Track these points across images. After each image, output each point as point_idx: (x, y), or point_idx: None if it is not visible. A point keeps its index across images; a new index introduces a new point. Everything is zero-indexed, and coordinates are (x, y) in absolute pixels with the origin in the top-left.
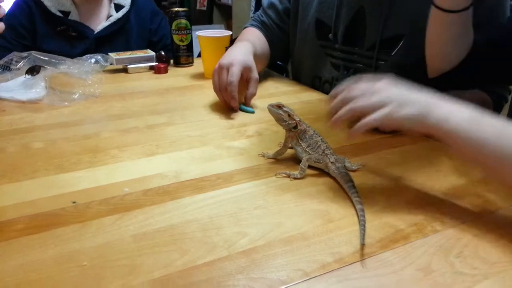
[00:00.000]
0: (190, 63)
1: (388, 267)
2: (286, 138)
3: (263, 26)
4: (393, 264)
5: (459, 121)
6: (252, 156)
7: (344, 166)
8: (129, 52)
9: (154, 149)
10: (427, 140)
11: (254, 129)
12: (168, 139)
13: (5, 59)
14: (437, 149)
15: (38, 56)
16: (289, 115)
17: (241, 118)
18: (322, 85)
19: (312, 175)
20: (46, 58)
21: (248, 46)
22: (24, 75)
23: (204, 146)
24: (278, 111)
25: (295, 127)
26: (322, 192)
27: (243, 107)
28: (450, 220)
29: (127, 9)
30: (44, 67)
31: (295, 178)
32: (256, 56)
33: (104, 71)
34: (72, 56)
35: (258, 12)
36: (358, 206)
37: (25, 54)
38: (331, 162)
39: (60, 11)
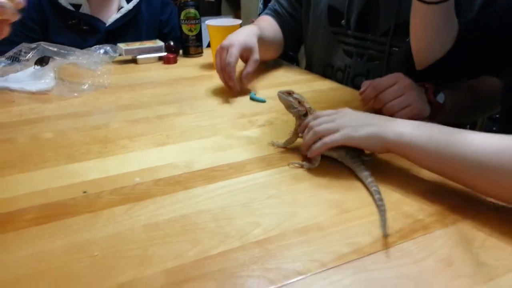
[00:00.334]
0: (199, 53)
1: (407, 257)
2: (296, 126)
3: (276, 14)
4: (413, 254)
5: (412, 134)
6: (264, 146)
7: (359, 155)
8: (138, 43)
9: (164, 139)
10: None
11: (265, 118)
12: (178, 129)
13: (14, 50)
14: None
15: (47, 47)
16: (299, 102)
17: (252, 108)
18: (335, 73)
19: (325, 165)
20: (55, 49)
21: (254, 29)
22: (33, 66)
23: (214, 136)
24: (288, 98)
25: (305, 114)
26: (337, 181)
27: (254, 96)
28: (472, 210)
29: (138, 0)
30: (53, 58)
31: (308, 168)
32: (264, 40)
33: (113, 62)
34: (83, 49)
35: (271, 2)
36: (377, 196)
37: (34, 45)
38: (345, 151)
39: (71, 4)
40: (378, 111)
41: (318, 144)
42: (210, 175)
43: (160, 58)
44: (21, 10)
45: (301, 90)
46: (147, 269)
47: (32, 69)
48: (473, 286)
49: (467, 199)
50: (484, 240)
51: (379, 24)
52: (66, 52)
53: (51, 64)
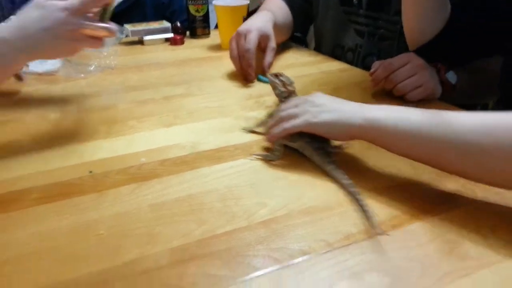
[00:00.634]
0: (206, 34)
1: (415, 239)
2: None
3: None
4: (420, 236)
5: (389, 118)
6: None
7: (323, 146)
8: (144, 24)
9: (171, 120)
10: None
11: (273, 99)
12: (186, 110)
13: None
14: None
15: None
16: (283, 84)
17: (259, 89)
18: (345, 53)
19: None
20: None
21: (268, 15)
22: None
23: (222, 117)
24: (274, 79)
25: (287, 97)
26: (344, 162)
27: (261, 77)
28: (482, 192)
29: None
30: None
31: (270, 161)
32: (277, 26)
33: (119, 43)
34: None
35: None
36: (352, 189)
37: None
38: (306, 141)
39: None
40: (390, 92)
41: (277, 129)
42: (217, 155)
43: (167, 40)
44: None
45: (309, 71)
46: (153, 247)
47: None
48: (481, 268)
49: (476, 182)
50: (493, 223)
51: (392, 2)
52: None
53: None
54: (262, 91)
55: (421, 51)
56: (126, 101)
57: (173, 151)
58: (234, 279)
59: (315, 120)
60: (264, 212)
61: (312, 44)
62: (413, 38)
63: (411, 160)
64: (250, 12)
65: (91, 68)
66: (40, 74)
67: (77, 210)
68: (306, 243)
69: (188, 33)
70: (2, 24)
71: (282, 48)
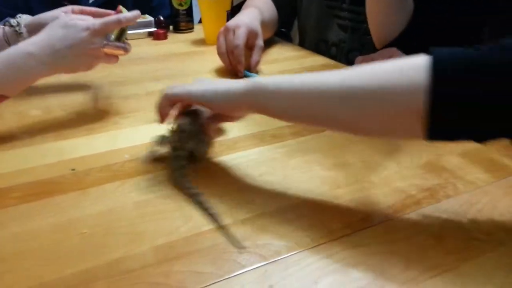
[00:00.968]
0: (190, 28)
1: (399, 233)
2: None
3: None
4: (404, 230)
5: (270, 80)
6: (256, 122)
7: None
8: None
9: (154, 116)
10: None
11: None
12: None
13: None
14: None
15: None
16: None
17: None
18: (329, 48)
19: (317, 141)
20: None
21: (256, 12)
22: None
23: None
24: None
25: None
26: (328, 158)
27: (247, 73)
28: (464, 186)
29: None
30: None
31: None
32: (263, 24)
33: None
34: None
35: None
36: (198, 199)
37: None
38: (174, 143)
39: None
40: None
41: (160, 100)
42: None
43: (150, 34)
44: None
45: (292, 67)
46: (139, 246)
47: None
48: (464, 262)
49: (459, 175)
50: (476, 215)
51: None
52: None
53: None
54: None
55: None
56: (109, 97)
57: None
58: (221, 276)
59: (194, 88)
60: (250, 208)
61: (296, 39)
62: (378, 36)
63: (393, 155)
64: (234, 6)
65: None
66: None
67: (60, 209)
68: (292, 239)
69: (171, 27)
70: (30, 39)
71: (266, 43)
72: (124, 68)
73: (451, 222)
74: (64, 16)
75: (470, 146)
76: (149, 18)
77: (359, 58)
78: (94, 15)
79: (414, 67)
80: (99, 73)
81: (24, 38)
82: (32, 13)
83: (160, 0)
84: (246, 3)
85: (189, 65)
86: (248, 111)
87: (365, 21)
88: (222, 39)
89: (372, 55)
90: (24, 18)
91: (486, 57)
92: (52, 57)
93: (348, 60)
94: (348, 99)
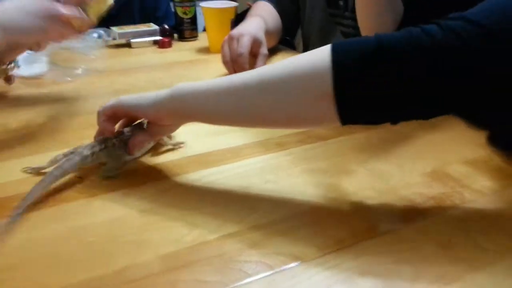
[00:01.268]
0: (194, 37)
1: (406, 242)
2: None
3: None
4: (411, 239)
5: (192, 85)
6: (261, 130)
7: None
8: (132, 26)
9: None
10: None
11: None
12: None
13: None
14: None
15: None
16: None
17: None
18: None
19: (323, 149)
20: None
21: (260, 21)
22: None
23: None
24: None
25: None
26: (334, 165)
27: None
28: (470, 194)
29: None
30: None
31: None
32: (267, 32)
33: (107, 46)
34: None
35: None
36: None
37: None
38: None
39: None
40: None
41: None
42: (207, 159)
43: (155, 42)
44: None
45: None
46: (143, 254)
47: (25, 53)
48: (473, 271)
49: (466, 184)
50: (483, 225)
51: None
52: None
53: None
54: None
55: None
56: None
57: (162, 156)
58: (226, 285)
59: (126, 97)
60: (255, 216)
61: (300, 47)
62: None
63: (398, 163)
64: (238, 14)
65: (78, 72)
66: (26, 78)
67: (66, 217)
68: (298, 248)
69: (176, 35)
70: None
71: (270, 51)
72: (129, 76)
73: (459, 231)
74: None
75: (476, 154)
76: (154, 26)
77: None
78: None
79: (320, 53)
80: (103, 82)
81: None
82: None
83: (165, 11)
84: (250, 12)
85: (194, 73)
86: (174, 117)
87: None
88: (226, 47)
89: None
90: None
91: (381, 44)
92: (1, 17)
93: None
94: (265, 89)
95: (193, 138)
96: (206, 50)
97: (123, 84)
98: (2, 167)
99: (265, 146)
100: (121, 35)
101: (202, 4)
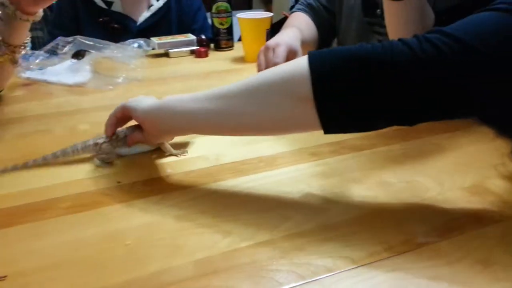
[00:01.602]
0: (230, 46)
1: (442, 258)
2: None
3: (310, 10)
4: (448, 254)
5: (176, 97)
6: (295, 140)
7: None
8: (170, 37)
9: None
10: (483, 124)
11: None
12: None
13: (51, 44)
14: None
15: (83, 40)
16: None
17: None
18: None
19: (357, 159)
20: (91, 43)
21: (296, 32)
22: (70, 60)
23: None
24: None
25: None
26: (369, 177)
27: None
28: (510, 211)
29: None
30: (89, 51)
31: (99, 166)
32: (304, 42)
33: (146, 55)
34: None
35: None
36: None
37: (70, 38)
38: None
39: (103, 1)
40: None
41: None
42: (241, 168)
43: (192, 52)
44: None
45: None
46: (177, 259)
47: (69, 62)
48: None
49: (506, 199)
50: None
51: None
52: (101, 46)
53: (87, 57)
54: None
55: None
56: None
57: (198, 163)
58: None
59: (130, 100)
60: (288, 226)
61: None
62: None
63: (436, 176)
64: (273, 24)
65: (119, 80)
66: (70, 86)
67: (105, 220)
68: (330, 259)
69: (212, 45)
70: None
71: None
72: (167, 85)
73: (498, 247)
74: None
75: None
76: (191, 37)
77: None
78: None
79: (301, 59)
80: (142, 90)
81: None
82: (81, 33)
83: (201, 24)
84: (286, 22)
85: (229, 81)
86: (157, 129)
87: None
88: (262, 57)
89: None
90: None
91: (357, 53)
92: None
93: None
94: (249, 94)
95: (228, 147)
96: (241, 60)
97: (160, 93)
98: (50, 171)
99: (299, 156)
100: (160, 45)
101: (239, 15)
